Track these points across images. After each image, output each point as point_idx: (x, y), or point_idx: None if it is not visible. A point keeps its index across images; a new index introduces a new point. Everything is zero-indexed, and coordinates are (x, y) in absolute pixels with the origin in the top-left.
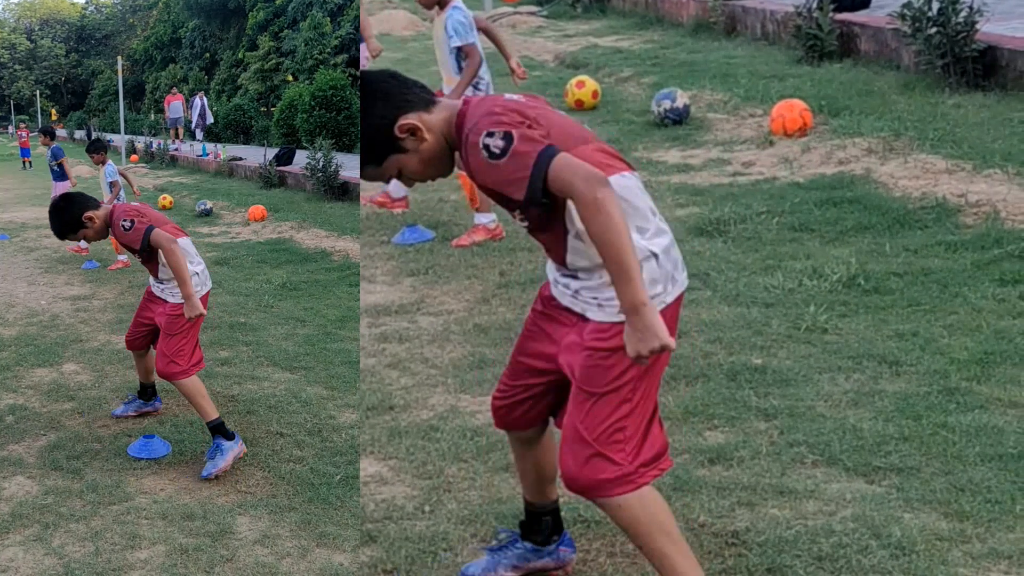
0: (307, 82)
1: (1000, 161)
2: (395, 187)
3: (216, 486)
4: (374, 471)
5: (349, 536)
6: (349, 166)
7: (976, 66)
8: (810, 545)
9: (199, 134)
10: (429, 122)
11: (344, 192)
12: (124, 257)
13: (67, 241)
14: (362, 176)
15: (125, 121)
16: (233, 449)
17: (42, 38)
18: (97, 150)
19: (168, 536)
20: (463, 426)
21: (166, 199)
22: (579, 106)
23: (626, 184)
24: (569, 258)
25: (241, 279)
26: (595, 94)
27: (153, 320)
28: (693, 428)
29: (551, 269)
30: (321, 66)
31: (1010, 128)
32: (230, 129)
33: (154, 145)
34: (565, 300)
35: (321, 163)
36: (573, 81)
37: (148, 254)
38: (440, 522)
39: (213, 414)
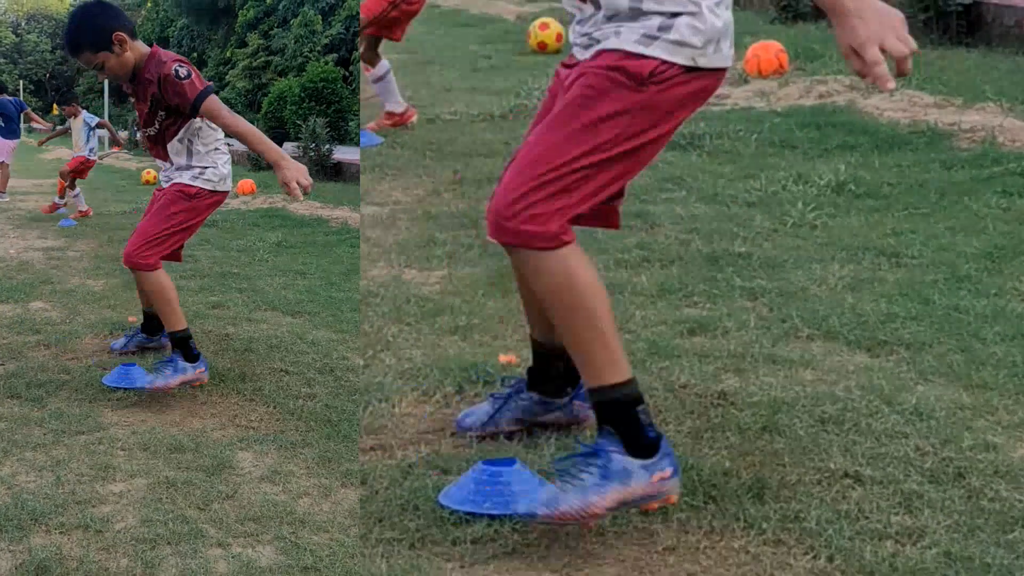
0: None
1: (993, 96)
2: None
3: (211, 419)
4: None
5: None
6: (343, 152)
7: (960, 22)
8: (811, 407)
9: None
10: None
11: (338, 172)
12: (59, 200)
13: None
14: None
15: (110, 116)
16: (188, 372)
17: (28, 32)
18: (68, 101)
19: (150, 469)
20: (407, 292)
21: (149, 173)
22: (542, 48)
23: None
24: None
25: (232, 238)
26: (559, 37)
27: None
28: (670, 303)
29: (573, 23)
30: (310, 63)
31: (998, 74)
32: None
33: (138, 133)
34: (582, 55)
35: (313, 141)
36: (536, 23)
37: (171, 124)
38: (376, 375)
39: (180, 323)
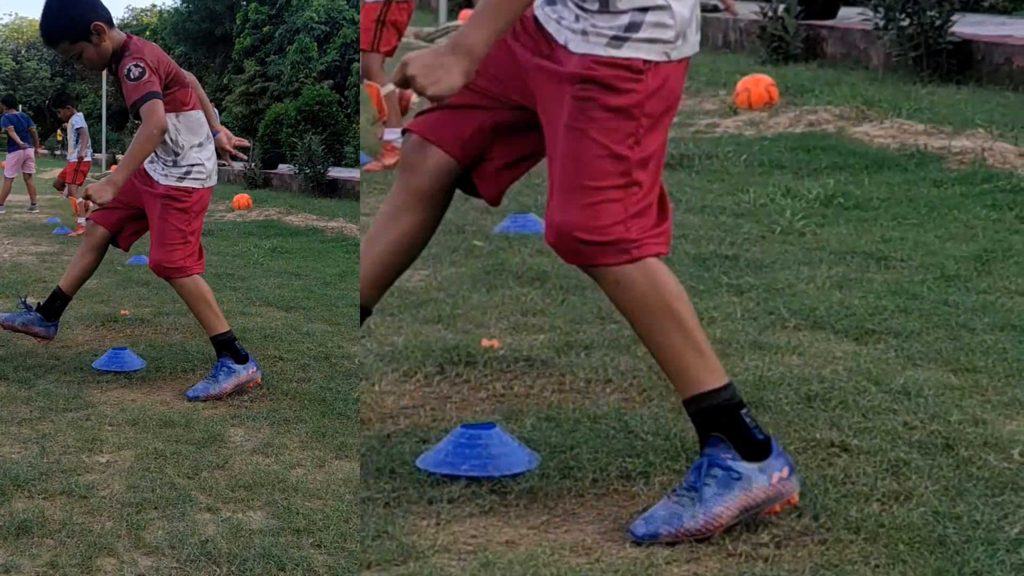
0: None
1: (982, 122)
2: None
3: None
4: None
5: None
6: (338, 171)
7: (951, 60)
8: (797, 386)
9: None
10: None
11: (333, 189)
12: (83, 220)
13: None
14: None
15: (108, 141)
16: (240, 374)
17: (28, 60)
18: (63, 103)
19: (139, 441)
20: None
21: None
22: None
23: None
24: None
25: (227, 245)
26: None
27: (132, 199)
28: None
29: None
30: (306, 87)
31: (988, 107)
32: None
33: None
34: (550, 26)
35: (309, 159)
36: None
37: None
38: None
39: (221, 327)
